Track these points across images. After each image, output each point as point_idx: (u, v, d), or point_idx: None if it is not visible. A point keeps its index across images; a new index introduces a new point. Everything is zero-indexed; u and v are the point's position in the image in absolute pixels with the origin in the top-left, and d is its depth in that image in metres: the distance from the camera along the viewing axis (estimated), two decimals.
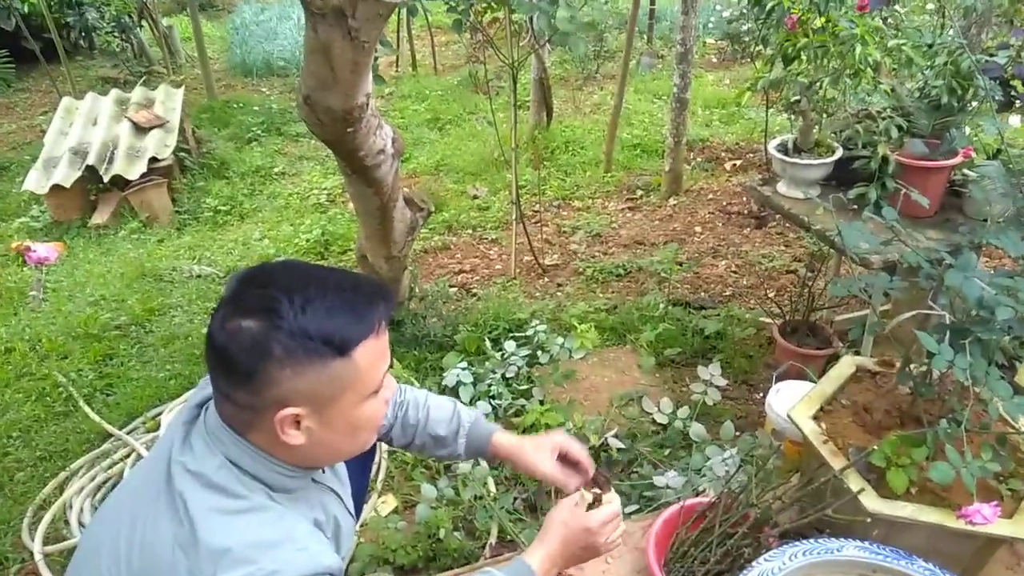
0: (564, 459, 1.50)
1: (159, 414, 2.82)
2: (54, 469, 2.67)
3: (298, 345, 0.94)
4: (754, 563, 1.52)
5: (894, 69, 2.87)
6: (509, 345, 2.97)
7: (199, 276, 4.07)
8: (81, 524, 2.40)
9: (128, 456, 2.63)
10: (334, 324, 0.96)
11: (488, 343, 3.03)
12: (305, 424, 0.99)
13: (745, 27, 6.69)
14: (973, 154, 2.36)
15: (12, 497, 2.57)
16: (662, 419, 2.58)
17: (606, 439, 2.49)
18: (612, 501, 1.38)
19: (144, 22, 8.15)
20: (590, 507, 1.35)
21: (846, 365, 2.02)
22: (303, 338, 0.94)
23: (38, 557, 2.29)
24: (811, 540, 1.58)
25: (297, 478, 1.08)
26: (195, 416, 1.08)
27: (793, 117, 2.86)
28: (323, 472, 1.19)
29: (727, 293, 3.62)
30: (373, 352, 1.00)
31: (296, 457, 1.04)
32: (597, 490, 1.38)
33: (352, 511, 1.28)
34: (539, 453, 1.47)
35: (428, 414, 1.49)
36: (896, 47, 2.62)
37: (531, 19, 3.52)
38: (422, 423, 1.48)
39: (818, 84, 2.65)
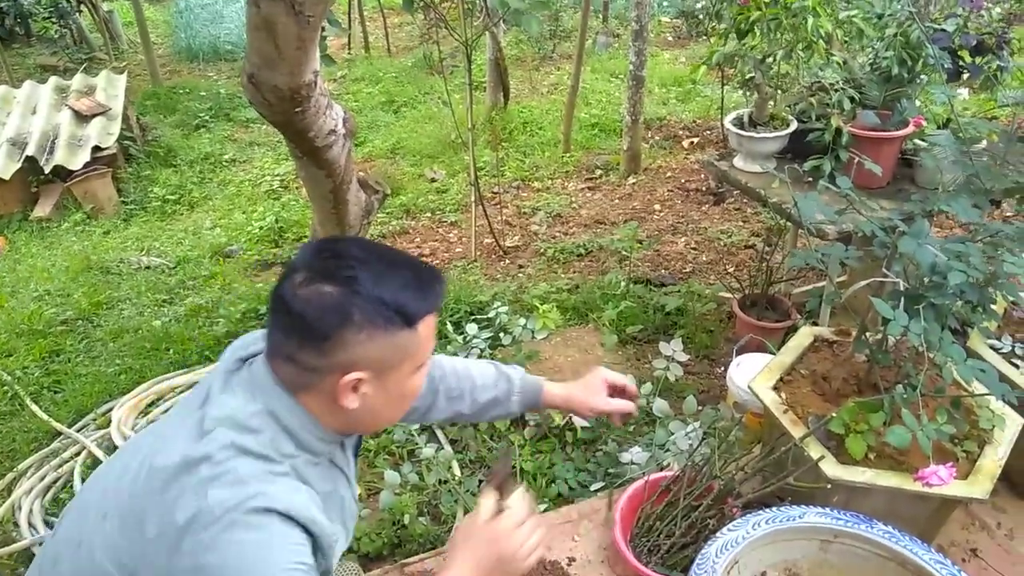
0: (613, 389, 1.58)
1: (109, 410, 2.73)
2: (1, 470, 2.57)
3: (375, 312, 1.00)
4: (718, 534, 1.52)
5: (846, 41, 2.89)
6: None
7: (148, 267, 3.95)
8: (31, 525, 2.32)
9: (79, 454, 2.55)
10: (405, 296, 1.02)
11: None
12: (363, 390, 1.04)
13: (699, 4, 6.71)
14: (924, 123, 2.39)
15: None
16: None
17: (570, 418, 2.48)
18: (517, 503, 1.17)
19: (83, 7, 7.85)
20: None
21: (804, 336, 2.04)
22: (379, 305, 1.00)
23: None
24: (773, 508, 1.59)
25: (327, 443, 1.10)
26: (238, 368, 1.10)
27: (748, 93, 2.87)
28: (343, 450, 1.20)
29: (687, 270, 3.64)
30: (430, 327, 1.08)
31: (339, 421, 1.08)
32: (495, 491, 1.19)
33: (355, 498, 1.25)
34: (592, 394, 1.55)
35: (473, 381, 1.50)
36: (847, 19, 2.64)
37: None
38: (467, 390, 1.50)
39: (772, 58, 2.66)
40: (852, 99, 2.55)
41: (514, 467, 1.33)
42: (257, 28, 1.75)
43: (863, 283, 1.91)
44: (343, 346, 1.00)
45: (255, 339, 1.14)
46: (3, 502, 2.43)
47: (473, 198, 3.79)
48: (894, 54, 2.50)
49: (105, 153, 4.95)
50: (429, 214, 4.55)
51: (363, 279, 0.99)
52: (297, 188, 4.93)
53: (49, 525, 2.33)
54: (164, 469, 0.99)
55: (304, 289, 0.99)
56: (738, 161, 2.74)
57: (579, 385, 1.57)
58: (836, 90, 2.57)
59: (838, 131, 2.48)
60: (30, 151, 4.82)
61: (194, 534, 0.95)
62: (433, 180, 5.04)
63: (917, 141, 2.58)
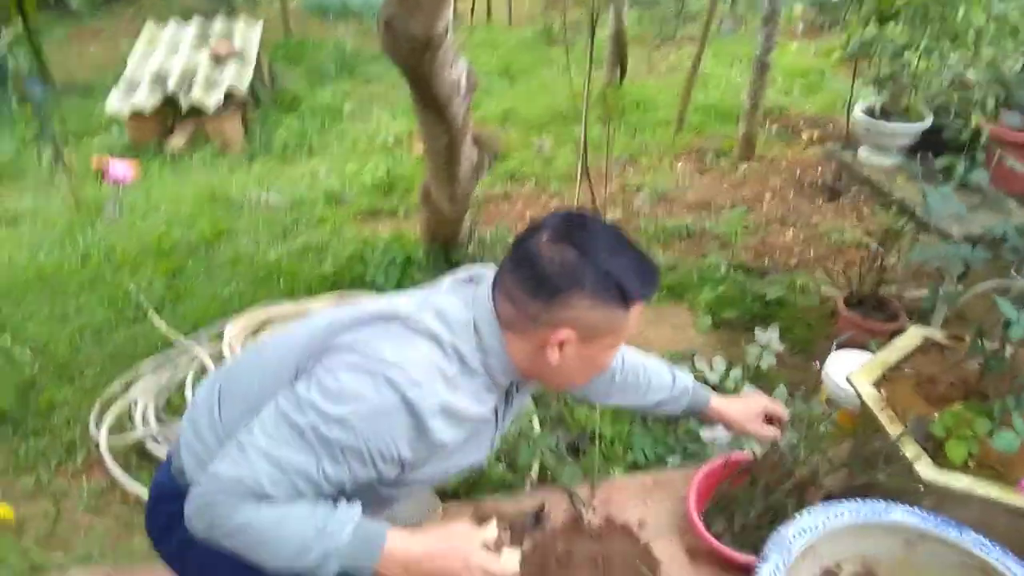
0: (768, 416, 1.71)
1: (222, 328, 2.92)
2: (122, 369, 2.81)
3: (602, 284, 1.08)
4: (796, 517, 1.50)
5: (996, 38, 2.71)
6: None
7: (266, 204, 4.17)
8: (145, 421, 2.53)
9: (192, 363, 2.75)
10: (630, 279, 1.10)
11: None
12: (566, 349, 1.12)
13: None
14: None
15: (82, 391, 2.72)
16: (713, 378, 2.55)
17: None
18: (510, 557, 1.18)
19: None
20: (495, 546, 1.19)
21: (913, 336, 1.96)
22: (609, 280, 1.08)
23: (103, 447, 2.42)
24: (858, 501, 1.55)
25: (508, 376, 1.19)
26: (466, 282, 1.23)
27: (880, 90, 2.74)
28: (508, 399, 1.28)
29: (792, 262, 3.54)
30: (638, 313, 1.16)
31: (531, 366, 1.17)
32: (506, 532, 1.22)
33: (492, 446, 1.33)
34: (750, 420, 1.68)
35: (650, 381, 1.61)
36: (1002, 13, 2.47)
37: None
38: (643, 387, 1.60)
39: (913, 48, 2.53)
40: (997, 99, 2.40)
41: (542, 523, 1.39)
42: None
43: (987, 283, 1.82)
44: (568, 305, 1.09)
45: (489, 268, 1.24)
46: (121, 397, 2.65)
47: (579, 170, 3.79)
48: None
49: (237, 95, 5.23)
50: (533, 182, 4.58)
51: (601, 253, 1.08)
52: (409, 145, 5.07)
53: (161, 422, 2.54)
54: (378, 308, 1.15)
55: (549, 247, 1.08)
56: (863, 152, 2.63)
57: (740, 406, 1.69)
58: (981, 87, 2.42)
59: (977, 131, 2.35)
60: (170, 87, 5.15)
61: (341, 352, 1.10)
62: (540, 150, 5.06)
63: None
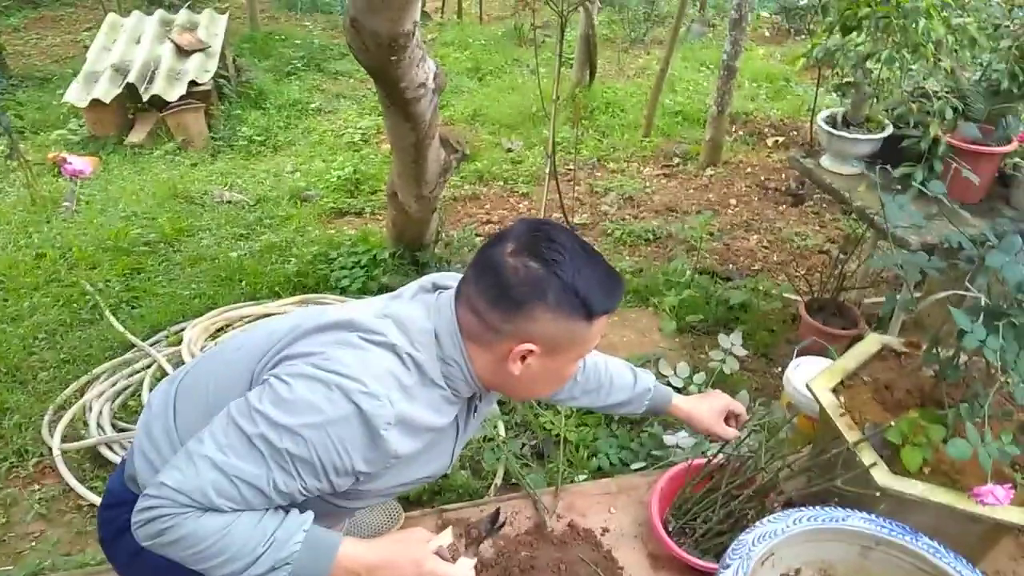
0: (729, 415, 1.74)
1: (181, 330, 2.86)
2: (76, 372, 2.73)
3: (566, 297, 1.07)
4: (757, 524, 1.52)
5: (955, 50, 2.77)
6: None
7: (229, 202, 4.09)
8: (100, 426, 2.46)
9: (149, 367, 2.68)
10: (594, 292, 1.09)
11: None
12: (529, 361, 1.12)
13: (802, 1, 6.49)
14: None
15: (35, 395, 2.64)
16: (677, 382, 2.57)
17: None
18: (464, 564, 1.21)
19: None
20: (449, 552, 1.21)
21: (871, 343, 1.99)
22: (572, 293, 1.07)
23: (56, 453, 2.36)
24: (817, 508, 1.57)
25: (470, 388, 1.17)
26: (429, 290, 1.22)
27: (843, 96, 2.78)
28: (471, 410, 1.27)
29: (756, 267, 3.58)
30: (602, 326, 1.16)
31: (493, 378, 1.16)
32: (461, 539, 1.26)
33: (453, 457, 1.32)
34: (714, 421, 1.71)
35: (612, 381, 1.61)
36: (961, 26, 2.53)
37: None
38: (606, 387, 1.60)
39: (875, 57, 2.57)
40: (955, 109, 2.44)
41: (498, 527, 1.40)
42: None
43: (942, 294, 1.85)
44: (530, 318, 1.08)
45: (454, 276, 1.23)
46: (75, 402, 2.58)
47: (547, 171, 3.79)
48: (1006, 67, 2.39)
49: (200, 88, 5.13)
50: (502, 183, 4.57)
51: (565, 266, 1.07)
52: (377, 143, 5.02)
53: (116, 428, 2.48)
54: (335, 316, 1.14)
55: (513, 258, 1.08)
56: (825, 160, 2.67)
57: (703, 406, 1.71)
58: (939, 98, 2.47)
59: (935, 140, 2.39)
60: (131, 78, 5.03)
61: (296, 360, 1.08)
62: (509, 150, 5.06)
63: (1018, 160, 2.47)
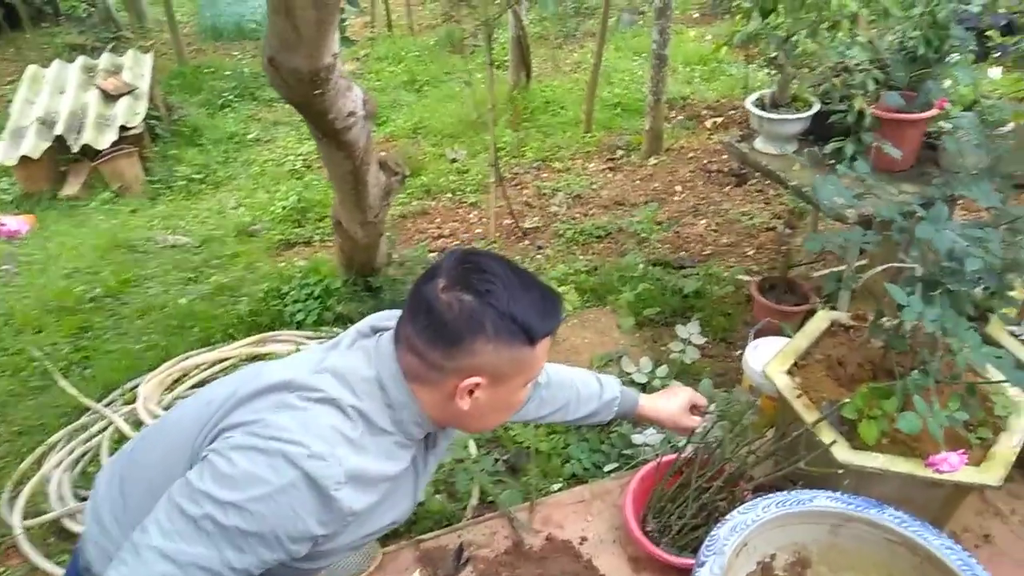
0: (693, 407, 1.76)
1: (136, 386, 2.80)
2: (32, 444, 2.65)
3: (505, 326, 1.06)
4: (728, 516, 1.53)
5: (872, 20, 2.83)
6: None
7: (174, 246, 4.01)
8: (61, 498, 2.39)
9: (106, 429, 2.62)
10: (531, 316, 1.08)
11: None
12: (477, 394, 1.11)
13: None
14: (948, 106, 2.35)
15: None
16: (641, 379, 2.58)
17: None
18: None
19: None
20: None
21: (820, 320, 2.02)
22: (509, 321, 1.06)
23: (18, 531, 2.28)
24: (784, 492, 1.59)
25: (423, 428, 1.16)
26: (368, 335, 1.20)
27: (773, 72, 2.82)
28: (427, 448, 1.25)
29: (707, 252, 3.62)
30: (546, 347, 1.15)
31: (443, 415, 1.15)
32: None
33: (415, 498, 1.30)
34: (681, 416, 1.73)
35: (577, 392, 1.61)
36: None
37: None
38: (572, 400, 1.60)
39: (795, 37, 2.62)
40: (877, 80, 2.50)
41: (463, 563, 1.41)
42: (276, 11, 1.77)
43: (879, 268, 1.89)
44: (471, 352, 1.06)
45: (393, 315, 1.20)
46: (33, 475, 2.50)
47: (493, 179, 3.79)
48: (920, 34, 2.45)
49: (132, 132, 5.02)
50: (449, 194, 4.56)
51: (499, 294, 1.06)
52: (320, 168, 4.96)
53: (78, 497, 2.41)
54: (270, 379, 1.10)
55: (445, 294, 1.06)
56: (759, 143, 2.71)
57: (668, 404, 1.74)
58: (861, 71, 2.53)
59: (861, 113, 2.44)
60: (59, 130, 4.90)
61: (234, 431, 1.05)
62: (454, 160, 5.04)
63: (942, 124, 2.53)
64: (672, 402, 1.75)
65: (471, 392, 1.10)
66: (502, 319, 1.06)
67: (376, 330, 1.21)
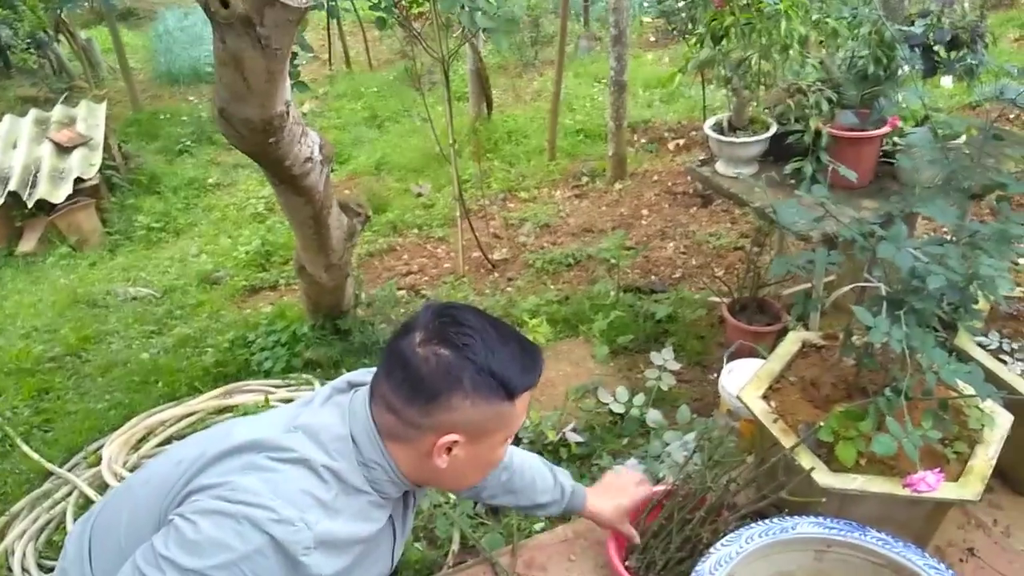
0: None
1: (100, 447, 2.70)
2: None
3: (483, 381, 1.04)
4: (712, 549, 1.51)
5: (821, 41, 2.89)
6: None
7: (135, 298, 3.92)
8: (25, 570, 2.29)
9: (70, 494, 2.52)
10: (511, 370, 1.07)
11: None
12: (455, 452, 1.08)
13: (680, 3, 6.71)
14: (900, 123, 2.39)
15: None
16: (618, 408, 2.57)
17: (563, 433, 2.47)
18: None
19: (61, 36, 7.82)
20: None
21: (792, 342, 2.03)
22: (487, 376, 1.04)
23: None
24: (767, 521, 1.57)
25: (399, 487, 1.13)
26: (344, 391, 1.17)
27: (729, 93, 2.86)
28: (404, 505, 1.23)
29: (677, 275, 3.64)
30: (525, 402, 1.13)
31: (420, 474, 1.12)
32: None
33: (394, 559, 1.26)
34: (621, 522, 1.68)
35: (534, 483, 1.58)
36: (820, 20, 2.64)
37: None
38: (527, 489, 1.57)
39: (748, 62, 2.66)
40: (830, 100, 2.54)
41: None
42: (224, 63, 1.74)
43: (845, 288, 1.90)
44: (448, 408, 1.04)
45: (371, 372, 1.17)
46: None
47: (459, 213, 3.78)
48: (869, 53, 2.51)
49: (88, 184, 4.93)
50: (416, 230, 4.54)
51: (476, 348, 1.04)
52: (282, 211, 4.92)
53: (43, 568, 2.31)
54: (240, 438, 1.07)
55: (422, 348, 1.04)
56: (720, 166, 2.73)
57: (609, 507, 1.67)
58: (814, 91, 2.57)
59: (817, 132, 2.48)
60: (12, 186, 4.80)
61: (200, 495, 1.02)
62: (419, 195, 5.03)
63: (896, 139, 2.58)
64: (615, 504, 1.68)
65: (449, 450, 1.08)
66: (480, 374, 1.04)
67: (353, 385, 1.18)
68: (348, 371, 2.87)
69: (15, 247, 4.73)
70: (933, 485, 1.40)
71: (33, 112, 5.77)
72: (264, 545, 0.96)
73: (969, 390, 1.63)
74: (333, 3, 2.68)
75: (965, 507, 1.89)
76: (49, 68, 7.85)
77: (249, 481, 1.00)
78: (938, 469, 1.43)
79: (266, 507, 0.97)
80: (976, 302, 1.61)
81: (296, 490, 1.00)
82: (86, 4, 8.15)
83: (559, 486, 1.62)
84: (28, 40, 7.60)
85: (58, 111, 5.75)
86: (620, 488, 1.73)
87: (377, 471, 1.09)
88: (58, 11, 7.15)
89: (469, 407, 1.04)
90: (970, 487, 1.56)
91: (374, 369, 1.16)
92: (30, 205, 4.73)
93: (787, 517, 1.57)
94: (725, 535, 1.57)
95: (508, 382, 1.06)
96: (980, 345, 1.97)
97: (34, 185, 4.87)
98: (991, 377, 1.73)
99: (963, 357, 1.90)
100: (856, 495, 1.59)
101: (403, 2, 3.13)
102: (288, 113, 1.98)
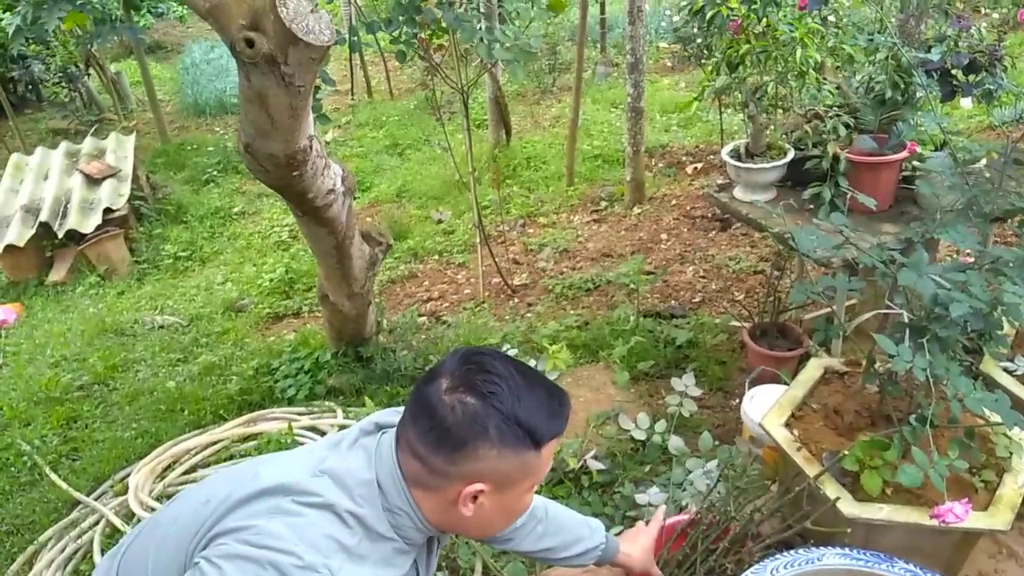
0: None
1: (127, 476, 2.73)
2: (22, 543, 2.57)
3: (509, 430, 1.04)
4: None
5: (838, 67, 2.90)
6: None
7: (162, 327, 3.99)
8: None
9: (97, 523, 2.55)
10: (537, 418, 1.06)
11: None
12: (481, 500, 1.07)
13: (696, 30, 6.76)
14: (919, 147, 2.38)
15: None
16: (640, 435, 2.55)
17: (585, 461, 2.45)
18: None
19: (91, 70, 8.05)
20: None
21: (814, 368, 2.01)
22: (514, 424, 1.04)
23: None
24: (792, 552, 1.56)
25: (423, 533, 1.13)
26: (371, 432, 1.17)
27: (746, 119, 2.88)
28: (428, 550, 1.23)
29: (696, 299, 3.63)
30: (551, 450, 1.12)
31: (445, 521, 1.12)
32: None
33: None
34: (651, 566, 1.69)
35: (566, 538, 1.56)
36: (836, 46, 2.65)
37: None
38: (561, 544, 1.55)
39: (764, 88, 2.68)
40: (848, 125, 2.55)
41: None
42: (249, 100, 1.79)
43: (867, 315, 1.89)
44: (474, 458, 1.04)
45: (397, 412, 1.18)
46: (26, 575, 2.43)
47: (478, 239, 3.81)
48: (887, 78, 2.51)
49: (116, 214, 5.04)
50: (436, 256, 4.57)
51: (503, 396, 1.04)
52: (305, 240, 4.99)
53: None
54: (267, 481, 1.07)
55: (448, 396, 1.04)
56: (738, 192, 2.74)
57: (639, 554, 1.68)
58: (831, 116, 2.57)
59: (836, 158, 2.48)
60: (43, 217, 4.91)
61: (226, 538, 1.02)
62: (440, 221, 5.08)
63: (915, 164, 2.57)
64: (637, 550, 1.69)
65: (475, 498, 1.07)
66: (507, 423, 1.03)
67: (380, 427, 1.18)
68: (370, 398, 2.90)
69: (45, 277, 4.84)
70: (961, 516, 1.38)
71: (64, 144, 5.92)
72: None
73: (996, 418, 1.61)
74: (355, 38, 2.73)
75: (996, 536, 1.85)
76: (79, 101, 8.06)
77: (274, 526, 1.01)
78: (966, 499, 1.41)
79: (290, 552, 0.97)
80: (1000, 328, 1.59)
81: (320, 535, 1.01)
82: (116, 39, 8.37)
83: (593, 538, 1.60)
84: (59, 74, 7.83)
85: (88, 143, 5.90)
86: (637, 530, 1.74)
87: (402, 517, 1.09)
88: (89, 46, 7.36)
89: (495, 456, 1.04)
90: (1000, 516, 1.53)
91: (401, 409, 1.16)
92: (60, 235, 4.84)
93: (813, 548, 1.56)
94: (750, 566, 1.56)
95: (535, 431, 1.06)
96: (1006, 371, 1.94)
97: (64, 216, 4.99)
98: (1018, 404, 1.71)
99: (989, 383, 1.88)
100: (882, 525, 1.57)
101: (423, 35, 3.19)
102: (311, 147, 2.02)
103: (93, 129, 7.25)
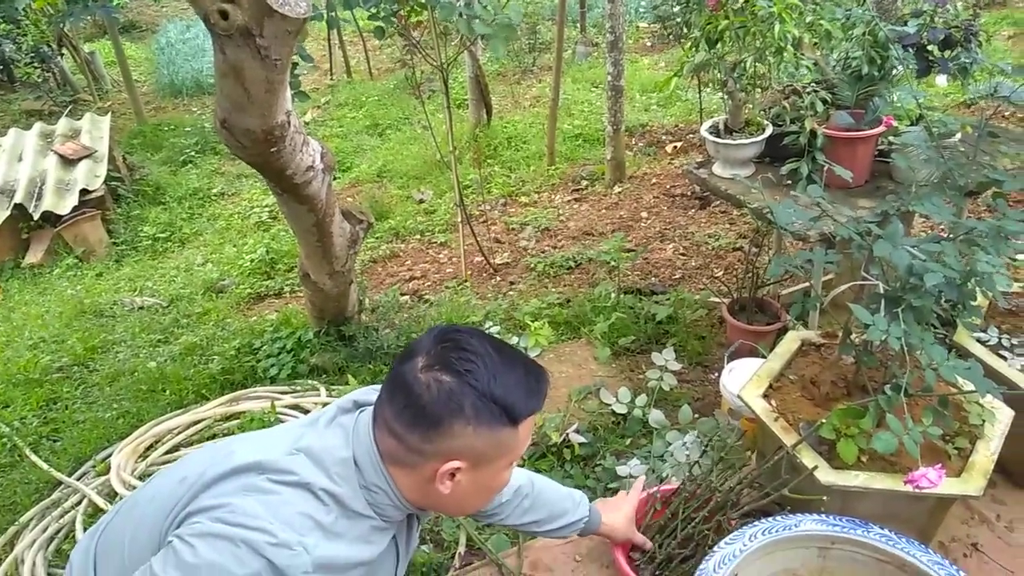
0: None
1: (108, 456, 2.72)
2: (3, 524, 2.56)
3: (485, 407, 1.03)
4: (716, 547, 1.52)
5: (815, 43, 2.91)
6: None
7: (142, 308, 3.95)
8: None
9: (79, 503, 2.54)
10: (514, 395, 1.05)
11: None
12: (458, 478, 1.07)
13: (675, 8, 6.75)
14: (895, 123, 2.40)
15: None
16: (621, 409, 2.58)
17: (567, 435, 2.48)
18: None
19: (64, 50, 7.89)
20: None
21: (791, 340, 2.04)
22: (490, 402, 1.03)
23: None
24: (770, 519, 1.59)
25: (401, 511, 1.13)
26: (349, 410, 1.16)
27: (725, 96, 2.89)
28: (408, 527, 1.23)
29: (676, 276, 3.65)
30: (529, 427, 1.12)
31: (423, 499, 1.12)
32: None
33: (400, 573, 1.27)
34: (633, 533, 1.73)
35: (552, 510, 1.58)
36: (814, 22, 2.66)
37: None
38: (546, 517, 1.57)
39: (743, 64, 2.68)
40: (825, 101, 2.56)
41: None
42: (225, 74, 1.77)
43: (843, 287, 1.92)
44: (450, 435, 1.03)
45: (376, 391, 1.16)
46: (6, 556, 2.42)
47: (460, 218, 3.80)
48: (863, 54, 2.52)
49: (93, 195, 4.98)
50: (418, 236, 4.56)
51: (479, 374, 1.03)
52: (286, 219, 4.95)
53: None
54: (241, 459, 1.06)
55: (423, 374, 1.03)
56: (717, 168, 2.75)
57: (621, 521, 1.71)
58: (809, 92, 2.59)
59: (813, 133, 2.50)
60: (18, 198, 4.84)
61: (200, 516, 1.01)
62: (421, 201, 5.06)
63: (891, 138, 2.60)
64: (620, 518, 1.71)
65: (452, 476, 1.07)
66: (482, 400, 1.03)
67: (359, 405, 1.18)
68: (353, 376, 2.90)
69: (22, 259, 4.77)
70: (935, 481, 1.42)
71: (38, 125, 5.81)
72: (262, 569, 0.95)
73: (969, 386, 1.65)
74: (332, 14, 2.70)
75: (968, 502, 1.90)
76: (53, 81, 7.91)
77: (248, 503, 1.00)
78: (939, 465, 1.45)
79: (264, 530, 0.97)
80: (974, 299, 1.62)
81: (295, 513, 1.00)
82: (89, 18, 8.20)
83: (578, 510, 1.62)
84: (32, 54, 7.67)
85: (62, 124, 5.80)
86: (618, 499, 1.76)
87: (379, 495, 1.08)
88: (61, 25, 7.20)
89: (471, 434, 1.03)
90: (972, 482, 1.57)
91: (379, 387, 1.16)
92: (36, 217, 4.77)
93: (790, 515, 1.59)
94: (729, 533, 1.59)
95: (511, 408, 1.05)
96: (979, 341, 1.98)
97: (40, 197, 4.91)
98: (991, 373, 1.74)
99: (962, 353, 1.92)
100: (859, 492, 1.61)
101: (401, 12, 3.16)
102: (289, 123, 2.00)
103: (67, 110, 7.11)
